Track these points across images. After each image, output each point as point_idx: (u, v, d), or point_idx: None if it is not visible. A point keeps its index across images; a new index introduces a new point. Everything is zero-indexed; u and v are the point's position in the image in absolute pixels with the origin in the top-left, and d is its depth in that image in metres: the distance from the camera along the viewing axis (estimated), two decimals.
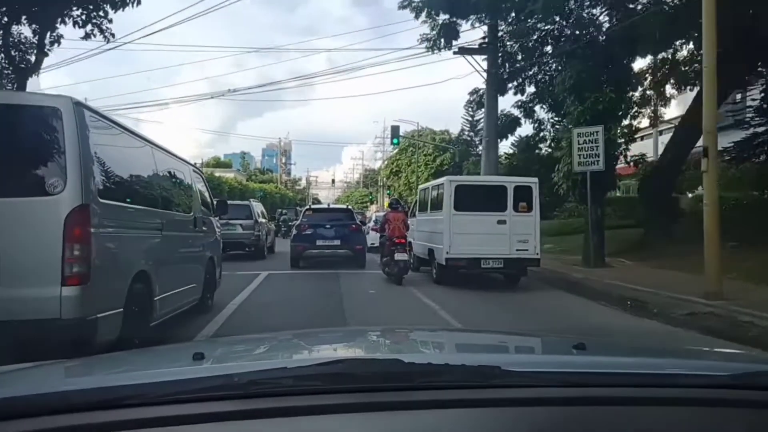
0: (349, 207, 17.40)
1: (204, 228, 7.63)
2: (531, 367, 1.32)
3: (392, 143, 30.13)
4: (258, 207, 18.46)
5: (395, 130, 30.01)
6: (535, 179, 11.50)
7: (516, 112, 17.10)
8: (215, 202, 8.61)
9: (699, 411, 1.17)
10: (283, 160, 70.30)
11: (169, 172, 6.46)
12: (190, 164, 7.96)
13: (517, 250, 10.61)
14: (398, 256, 10.95)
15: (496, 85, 16.55)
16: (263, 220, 18.07)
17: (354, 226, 14.51)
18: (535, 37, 15.33)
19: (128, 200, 5.07)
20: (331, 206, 18.27)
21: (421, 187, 14.31)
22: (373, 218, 23.86)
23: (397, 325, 5.84)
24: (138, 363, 1.73)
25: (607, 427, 1.13)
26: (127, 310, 4.66)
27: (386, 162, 57.90)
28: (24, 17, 12.67)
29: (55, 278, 3.99)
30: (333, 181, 79.04)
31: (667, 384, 1.25)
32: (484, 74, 16.75)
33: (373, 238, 19.75)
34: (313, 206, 18.00)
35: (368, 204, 67.73)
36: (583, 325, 7.46)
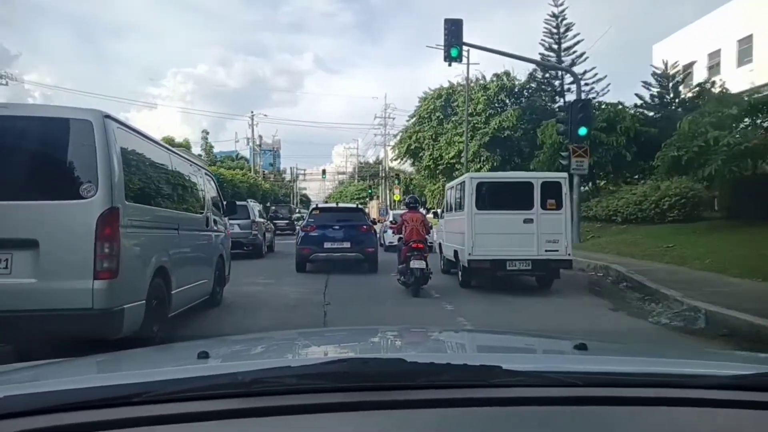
0: (359, 206, 16.23)
1: (215, 227, 8.14)
2: (532, 367, 1.32)
3: (448, 58, 15.87)
4: (256, 206, 18.99)
5: (454, 28, 15.84)
6: (564, 174, 10.77)
7: None
8: (225, 203, 9.10)
9: (701, 412, 1.16)
10: (258, 142, 56.93)
11: (185, 176, 6.96)
12: (203, 167, 8.46)
13: (546, 250, 9.96)
14: (414, 264, 9.70)
15: None
16: (261, 220, 18.45)
17: (365, 227, 13.54)
18: None
19: (151, 202, 5.57)
20: (340, 205, 17.01)
21: (447, 185, 13.67)
22: (390, 217, 21.87)
23: (399, 325, 6.18)
24: (143, 361, 1.78)
25: (608, 428, 1.13)
26: (149, 302, 5.16)
27: (399, 136, 40.55)
28: None
29: (88, 272, 4.49)
30: (323, 171, 65.96)
31: (668, 384, 1.25)
32: None
33: (392, 236, 18.85)
34: (320, 205, 16.99)
35: (367, 200, 58.75)
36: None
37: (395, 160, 43.53)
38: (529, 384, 1.21)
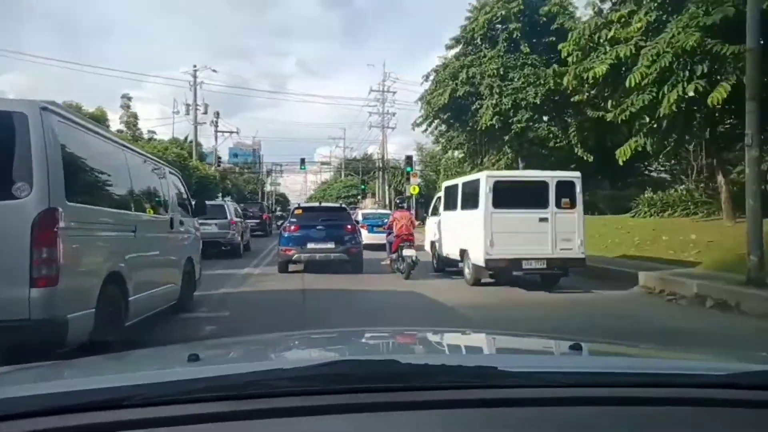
0: (343, 205, 16.02)
1: (181, 229, 7.71)
2: (527, 368, 1.33)
3: None
4: (233, 206, 19.21)
5: None
6: (578, 173, 11.02)
7: None
8: (194, 203, 8.69)
9: (694, 411, 1.17)
10: (204, 110, 38.43)
11: (143, 174, 6.52)
12: (167, 166, 8.03)
13: (561, 249, 10.18)
14: (407, 252, 11.80)
15: None
16: (238, 219, 18.70)
17: (349, 226, 13.39)
18: None
19: (99, 203, 5.13)
20: (323, 205, 16.77)
21: (445, 184, 13.49)
22: (359, 216, 20.96)
23: (393, 327, 5.88)
24: (134, 364, 1.75)
25: (603, 427, 1.13)
26: (100, 310, 4.73)
27: (433, 78, 24.38)
28: None
29: (23, 280, 4.06)
30: (302, 161, 46.89)
31: (662, 384, 1.25)
32: None
33: (365, 237, 18.94)
34: (302, 204, 16.93)
35: (359, 198, 48.72)
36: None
37: (421, 124, 25.99)
38: (525, 384, 1.20)
